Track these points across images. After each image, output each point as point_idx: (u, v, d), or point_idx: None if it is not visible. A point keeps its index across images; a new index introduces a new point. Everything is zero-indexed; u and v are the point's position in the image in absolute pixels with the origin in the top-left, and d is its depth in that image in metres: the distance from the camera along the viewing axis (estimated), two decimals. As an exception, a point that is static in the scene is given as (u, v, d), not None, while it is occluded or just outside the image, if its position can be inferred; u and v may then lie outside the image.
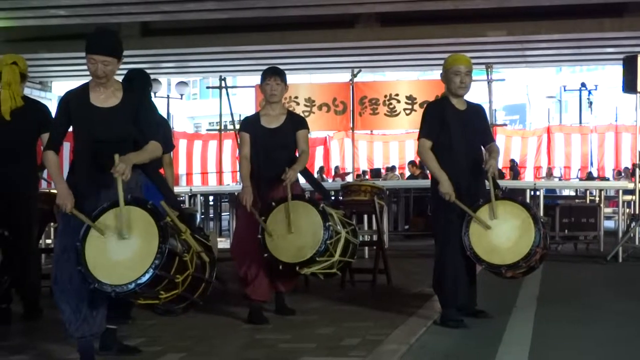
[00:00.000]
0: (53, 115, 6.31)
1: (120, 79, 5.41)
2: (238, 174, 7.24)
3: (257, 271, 6.43)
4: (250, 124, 6.73)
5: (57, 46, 20.86)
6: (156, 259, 4.44)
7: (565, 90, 40.32)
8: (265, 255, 6.22)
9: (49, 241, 10.79)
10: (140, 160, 4.82)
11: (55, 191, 4.89)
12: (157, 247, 4.46)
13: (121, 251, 4.57)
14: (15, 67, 6.47)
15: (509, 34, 19.75)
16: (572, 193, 18.61)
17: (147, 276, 4.43)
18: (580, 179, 23.12)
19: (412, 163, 19.74)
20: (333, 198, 10.19)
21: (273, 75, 6.65)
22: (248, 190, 6.43)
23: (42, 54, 21.32)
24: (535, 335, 5.92)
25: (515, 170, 23.40)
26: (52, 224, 9.63)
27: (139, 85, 6.49)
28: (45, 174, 6.87)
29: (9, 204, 6.30)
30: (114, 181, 4.61)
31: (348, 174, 22.50)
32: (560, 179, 24.36)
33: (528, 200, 11.89)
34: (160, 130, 6.42)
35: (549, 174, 24.14)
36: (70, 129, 5.01)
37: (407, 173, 21.38)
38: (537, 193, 12.63)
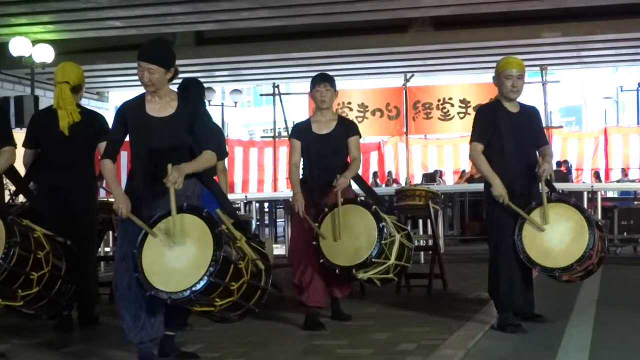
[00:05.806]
0: (110, 124, 6.45)
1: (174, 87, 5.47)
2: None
3: (312, 277, 6.46)
4: (301, 131, 6.76)
5: (113, 57, 21.19)
6: (211, 266, 4.50)
7: (622, 90, 39.72)
8: (322, 260, 6.27)
9: (107, 249, 10.95)
10: (194, 169, 4.87)
11: (112, 200, 4.97)
12: (212, 255, 4.52)
13: (177, 258, 4.64)
14: (65, 86, 6.55)
15: (564, 34, 19.55)
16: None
17: (202, 283, 4.49)
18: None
19: None
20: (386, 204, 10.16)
21: (322, 81, 6.68)
22: (299, 196, 6.47)
23: (99, 65, 21.66)
24: (595, 340, 5.84)
25: (569, 172, 22.93)
26: (110, 232, 9.78)
27: (194, 94, 6.57)
28: (104, 183, 6.98)
29: (70, 213, 6.41)
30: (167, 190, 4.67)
31: (398, 183, 22.36)
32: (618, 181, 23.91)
33: (585, 203, 11.73)
34: (215, 138, 6.51)
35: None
36: (127, 138, 5.09)
37: (454, 177, 21.12)
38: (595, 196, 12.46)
